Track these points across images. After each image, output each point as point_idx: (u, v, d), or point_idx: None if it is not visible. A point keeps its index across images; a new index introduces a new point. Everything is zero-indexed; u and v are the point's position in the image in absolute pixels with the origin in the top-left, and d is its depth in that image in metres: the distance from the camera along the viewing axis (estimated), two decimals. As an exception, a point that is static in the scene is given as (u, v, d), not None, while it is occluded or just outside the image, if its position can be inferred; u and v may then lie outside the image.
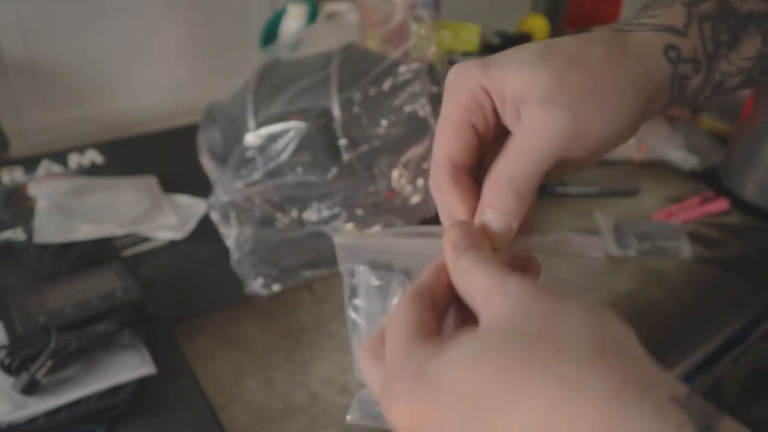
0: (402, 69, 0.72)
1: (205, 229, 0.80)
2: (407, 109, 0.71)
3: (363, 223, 0.74)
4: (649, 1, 0.36)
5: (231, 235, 0.74)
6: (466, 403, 0.22)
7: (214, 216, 0.77)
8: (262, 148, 0.72)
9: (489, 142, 0.33)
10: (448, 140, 0.32)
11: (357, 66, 0.74)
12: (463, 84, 0.32)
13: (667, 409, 0.20)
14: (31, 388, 0.55)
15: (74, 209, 0.79)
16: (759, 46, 0.34)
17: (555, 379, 0.21)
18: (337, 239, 0.36)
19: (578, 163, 0.33)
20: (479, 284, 0.26)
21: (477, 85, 0.31)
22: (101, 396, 0.56)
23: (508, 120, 0.32)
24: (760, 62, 0.35)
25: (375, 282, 0.38)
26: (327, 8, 1.05)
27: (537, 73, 0.30)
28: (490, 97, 0.31)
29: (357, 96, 0.72)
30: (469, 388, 0.22)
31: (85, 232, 0.76)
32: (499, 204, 0.30)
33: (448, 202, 0.32)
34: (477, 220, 0.31)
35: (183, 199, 0.86)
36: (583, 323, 0.23)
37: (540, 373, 0.21)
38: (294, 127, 0.71)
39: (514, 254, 0.33)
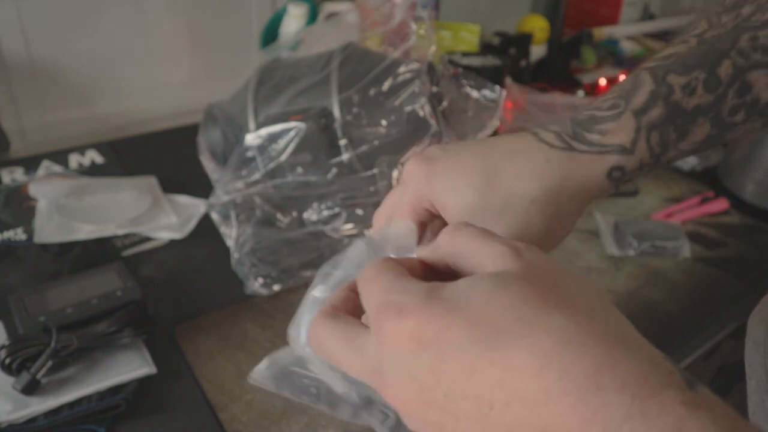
0: (402, 69, 0.72)
1: (205, 229, 0.80)
2: (407, 108, 0.71)
3: (363, 223, 0.74)
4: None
5: (231, 235, 0.74)
6: (482, 326, 0.23)
7: (214, 216, 0.77)
8: (262, 148, 0.72)
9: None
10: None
11: (357, 66, 0.74)
12: (414, 190, 0.35)
13: (659, 360, 0.22)
14: (31, 388, 0.55)
15: (74, 209, 0.79)
16: (707, 131, 0.36)
17: (567, 320, 0.23)
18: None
19: None
20: (489, 245, 0.26)
21: (425, 196, 0.35)
22: (101, 396, 0.56)
23: (448, 220, 0.35)
24: (706, 143, 0.36)
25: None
26: (327, 8, 1.05)
27: (476, 213, 0.33)
28: (432, 203, 0.35)
29: (357, 96, 0.72)
30: (489, 312, 0.23)
31: (85, 232, 0.76)
32: None
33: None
34: None
35: (183, 199, 0.86)
36: (588, 286, 0.25)
37: (554, 312, 0.23)
38: (294, 127, 0.71)
39: None
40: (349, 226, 0.74)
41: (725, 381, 0.50)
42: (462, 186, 0.34)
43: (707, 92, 0.35)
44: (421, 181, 0.35)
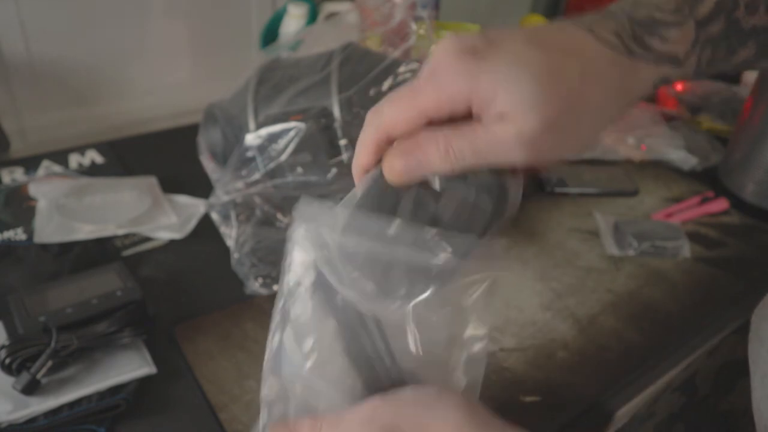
0: (402, 69, 0.72)
1: (205, 229, 0.80)
2: (407, 109, 0.71)
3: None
4: None
5: (231, 235, 0.74)
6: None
7: (214, 216, 0.77)
8: (262, 148, 0.72)
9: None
10: (398, 113, 0.31)
11: (357, 66, 0.74)
12: (448, 82, 0.30)
13: None
14: (31, 388, 0.55)
15: (74, 209, 0.79)
16: (750, 54, 0.34)
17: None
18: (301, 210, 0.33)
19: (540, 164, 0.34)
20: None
21: (461, 92, 0.30)
22: (101, 396, 0.56)
23: (483, 114, 0.30)
24: (740, 66, 0.35)
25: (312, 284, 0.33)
26: (327, 8, 1.05)
27: (535, 107, 0.29)
28: (468, 104, 0.30)
29: (357, 96, 0.72)
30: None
31: (85, 232, 0.76)
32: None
33: (359, 151, 0.33)
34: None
35: (183, 199, 0.86)
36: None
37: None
38: (294, 127, 0.71)
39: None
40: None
41: (729, 377, 0.50)
42: (523, 78, 0.29)
43: (767, 13, 0.33)
44: (459, 74, 0.30)
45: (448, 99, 0.30)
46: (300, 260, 0.33)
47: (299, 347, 0.34)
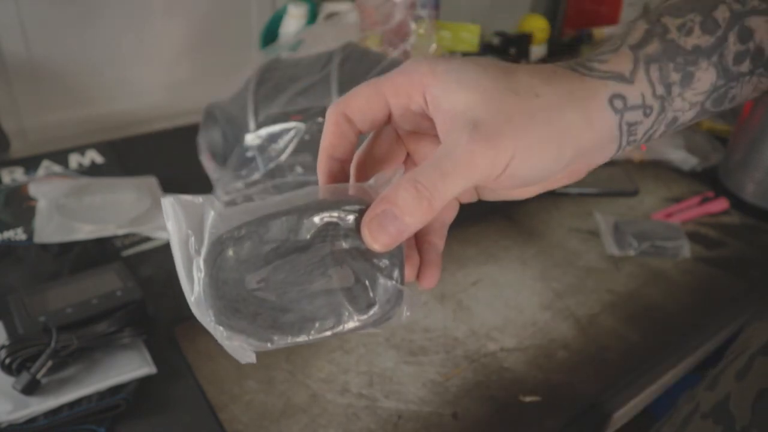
0: (402, 69, 0.72)
1: (205, 229, 0.80)
2: (407, 109, 0.71)
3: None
4: (647, 1, 0.36)
5: (231, 235, 0.74)
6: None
7: (215, 216, 0.77)
8: (262, 148, 0.72)
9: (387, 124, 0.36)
10: (356, 91, 0.34)
11: (357, 66, 0.74)
12: (412, 73, 0.32)
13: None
14: (31, 388, 0.55)
15: (74, 209, 0.79)
16: (713, 79, 0.34)
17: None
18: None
19: (501, 193, 0.35)
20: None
21: (420, 84, 0.32)
22: (101, 396, 0.56)
23: (439, 123, 0.32)
24: (713, 94, 0.35)
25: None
26: (327, 8, 1.05)
27: (486, 90, 0.30)
28: (425, 100, 0.32)
29: (357, 96, 0.72)
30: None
31: (85, 232, 0.76)
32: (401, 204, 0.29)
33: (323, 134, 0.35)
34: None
35: (183, 199, 0.86)
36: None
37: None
38: (294, 127, 0.71)
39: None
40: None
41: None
42: (480, 76, 0.31)
43: (705, 33, 0.34)
44: (423, 70, 0.32)
45: (409, 83, 0.32)
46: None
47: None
